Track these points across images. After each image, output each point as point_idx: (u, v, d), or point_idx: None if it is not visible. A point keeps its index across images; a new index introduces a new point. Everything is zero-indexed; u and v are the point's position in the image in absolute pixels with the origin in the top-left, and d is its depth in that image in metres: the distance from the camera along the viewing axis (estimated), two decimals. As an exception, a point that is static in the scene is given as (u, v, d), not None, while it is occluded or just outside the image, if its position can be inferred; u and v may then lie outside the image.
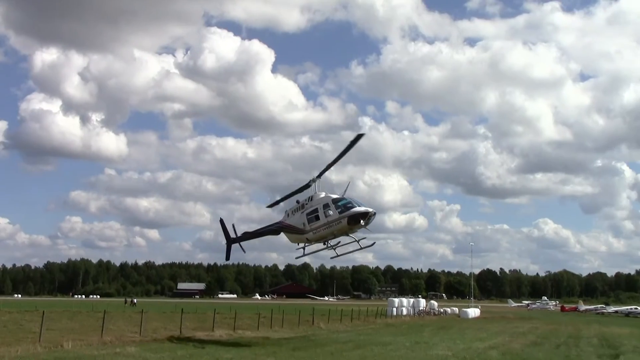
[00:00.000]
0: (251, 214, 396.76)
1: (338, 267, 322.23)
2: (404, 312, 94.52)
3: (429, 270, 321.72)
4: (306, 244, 41.36)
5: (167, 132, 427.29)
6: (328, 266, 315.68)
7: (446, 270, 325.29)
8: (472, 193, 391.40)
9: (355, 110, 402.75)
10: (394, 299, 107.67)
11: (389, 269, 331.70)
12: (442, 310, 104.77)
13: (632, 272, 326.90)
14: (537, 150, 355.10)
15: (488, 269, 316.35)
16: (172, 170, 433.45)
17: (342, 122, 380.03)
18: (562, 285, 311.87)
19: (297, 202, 41.77)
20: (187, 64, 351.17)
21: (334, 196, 39.14)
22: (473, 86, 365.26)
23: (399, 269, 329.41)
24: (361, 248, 40.47)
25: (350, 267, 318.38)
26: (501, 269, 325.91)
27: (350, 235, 39.47)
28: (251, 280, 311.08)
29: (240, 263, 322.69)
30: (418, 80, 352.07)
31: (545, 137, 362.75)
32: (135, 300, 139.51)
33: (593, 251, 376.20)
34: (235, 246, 45.47)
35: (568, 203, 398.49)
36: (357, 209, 37.45)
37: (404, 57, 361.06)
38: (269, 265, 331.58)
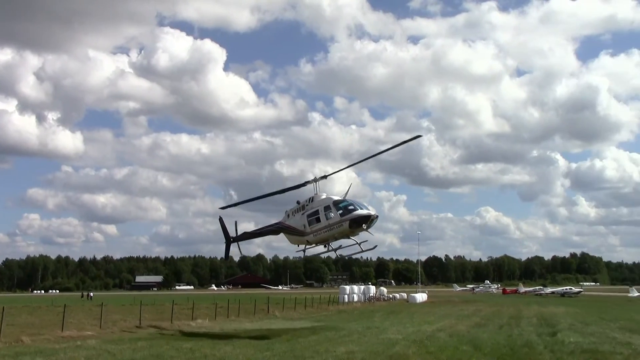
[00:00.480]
0: (206, 208, 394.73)
1: (291, 258, 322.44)
2: (355, 298, 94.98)
3: (378, 258, 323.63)
4: (307, 246, 39.49)
5: (122, 129, 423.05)
6: (281, 256, 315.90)
7: (394, 258, 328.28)
8: (418, 184, 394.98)
9: (305, 106, 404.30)
10: (345, 286, 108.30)
11: (339, 257, 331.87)
12: (391, 296, 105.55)
13: (567, 256, 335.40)
14: (478, 142, 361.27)
15: (434, 256, 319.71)
16: (128, 167, 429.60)
17: (293, 118, 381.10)
18: (504, 270, 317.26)
19: (298, 202, 39.95)
20: (141, 64, 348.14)
21: (335, 198, 37.34)
22: (417, 82, 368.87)
23: (350, 258, 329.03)
24: (362, 251, 38.60)
25: (303, 257, 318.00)
26: (446, 255, 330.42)
27: (352, 237, 37.33)
28: (207, 271, 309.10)
29: (197, 255, 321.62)
30: (364, 77, 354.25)
31: (485, 129, 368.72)
32: (91, 294, 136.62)
33: (531, 237, 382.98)
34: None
35: (507, 192, 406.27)
36: (359, 211, 35.59)
37: (351, 54, 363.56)
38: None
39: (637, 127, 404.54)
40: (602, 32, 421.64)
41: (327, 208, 36.66)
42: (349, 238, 37.27)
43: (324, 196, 38.22)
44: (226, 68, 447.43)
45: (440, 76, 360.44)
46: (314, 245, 38.85)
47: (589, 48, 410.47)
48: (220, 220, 45.68)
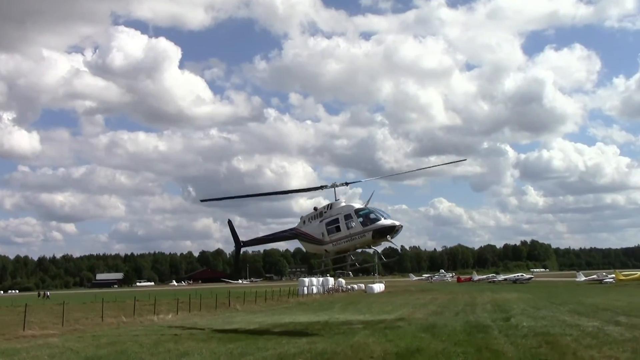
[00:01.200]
0: (165, 204, 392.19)
1: (250, 252, 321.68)
2: (314, 290, 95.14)
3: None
4: (325, 257, 36.63)
5: (79, 128, 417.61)
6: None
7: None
8: (373, 176, 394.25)
9: (260, 102, 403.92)
10: (304, 278, 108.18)
11: (298, 251, 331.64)
12: (349, 287, 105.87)
13: (518, 243, 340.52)
14: (430, 135, 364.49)
15: (390, 247, 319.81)
16: (85, 165, 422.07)
17: (249, 114, 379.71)
18: (458, 258, 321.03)
19: (315, 209, 37.32)
20: (96, 63, 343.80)
21: (357, 206, 34.54)
22: (369, 77, 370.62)
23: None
24: (383, 260, 37.38)
25: (262, 251, 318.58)
26: (402, 246, 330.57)
27: (373, 247, 35.24)
28: (167, 267, 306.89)
29: (157, 252, 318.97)
30: (318, 73, 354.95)
31: (437, 122, 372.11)
32: (48, 293, 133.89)
33: (483, 226, 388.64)
34: None
35: (460, 183, 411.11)
36: (384, 222, 32.97)
37: (304, 51, 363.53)
38: (184, 253, 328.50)
39: (581, 118, 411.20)
40: (546, 28, 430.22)
41: (348, 217, 34.05)
42: (370, 248, 35.40)
43: (343, 203, 35.62)
44: (181, 66, 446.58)
45: (392, 71, 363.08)
46: (332, 256, 36.08)
47: (534, 43, 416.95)
48: (230, 224, 43.47)
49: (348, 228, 33.79)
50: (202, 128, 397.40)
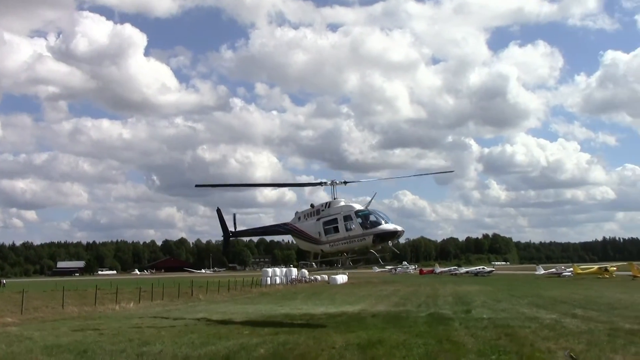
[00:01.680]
0: (128, 193, 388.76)
1: (214, 241, 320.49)
2: (278, 281, 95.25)
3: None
4: (320, 258, 35.32)
5: (42, 114, 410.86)
6: (204, 240, 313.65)
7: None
8: (338, 168, 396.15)
9: (226, 91, 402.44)
10: (267, 269, 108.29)
11: (262, 241, 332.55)
12: (312, 278, 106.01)
13: (480, 237, 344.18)
14: (395, 128, 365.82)
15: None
16: (47, 152, 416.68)
17: (214, 104, 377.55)
18: (420, 251, 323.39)
19: (312, 206, 35.51)
20: (59, 48, 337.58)
21: (357, 207, 33.02)
22: (336, 69, 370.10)
23: (272, 241, 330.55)
24: (381, 264, 35.78)
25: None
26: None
27: (372, 250, 33.26)
28: (130, 256, 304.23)
29: (119, 240, 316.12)
30: (285, 64, 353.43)
31: (403, 115, 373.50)
32: (4, 281, 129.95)
33: (446, 219, 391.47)
34: None
35: (423, 176, 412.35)
36: (385, 226, 31.58)
37: (271, 41, 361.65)
38: (147, 242, 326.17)
39: (543, 114, 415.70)
40: (510, 24, 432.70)
41: (347, 218, 32.51)
42: (367, 250, 33.42)
43: (342, 203, 34.07)
44: (147, 53, 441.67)
45: (359, 63, 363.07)
46: (328, 257, 34.87)
47: (499, 38, 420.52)
48: (219, 212, 41.21)
49: (347, 230, 32.32)
50: (167, 116, 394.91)
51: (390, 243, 32.11)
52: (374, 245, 31.95)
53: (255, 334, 26.32)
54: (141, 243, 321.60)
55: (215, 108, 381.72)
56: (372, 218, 31.99)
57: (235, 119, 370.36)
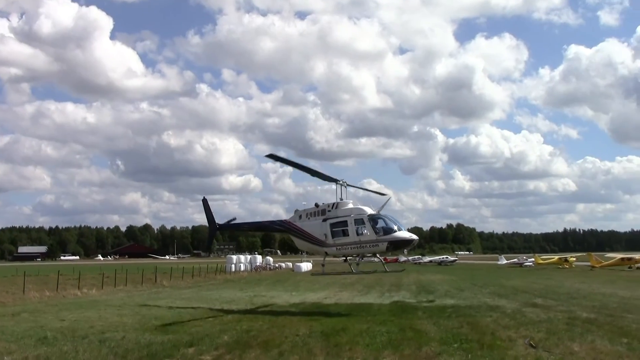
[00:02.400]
0: (92, 177, 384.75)
1: (178, 227, 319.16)
2: (242, 268, 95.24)
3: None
4: (325, 260, 33.78)
5: (3, 96, 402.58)
6: (168, 226, 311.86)
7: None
8: (304, 156, 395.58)
9: (193, 77, 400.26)
10: (232, 256, 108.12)
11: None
12: (277, 265, 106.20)
13: (444, 226, 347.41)
14: (362, 117, 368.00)
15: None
16: (9, 135, 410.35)
17: (180, 89, 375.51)
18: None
19: (316, 205, 33.48)
20: (22, 29, 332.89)
21: (370, 211, 31.31)
22: (303, 57, 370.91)
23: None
24: (386, 271, 33.98)
25: (190, 227, 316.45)
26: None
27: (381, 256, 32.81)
28: (93, 242, 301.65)
29: (82, 226, 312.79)
30: (252, 50, 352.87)
31: (369, 104, 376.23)
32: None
33: (411, 208, 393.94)
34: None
35: (389, 165, 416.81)
36: (401, 234, 30.33)
37: (239, 28, 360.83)
38: (111, 227, 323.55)
39: (508, 106, 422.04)
40: (477, 16, 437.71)
41: (359, 221, 30.87)
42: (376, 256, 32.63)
43: (350, 205, 32.33)
44: (113, 37, 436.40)
45: (326, 52, 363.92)
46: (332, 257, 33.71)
47: (466, 30, 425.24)
48: (205, 203, 38.94)
49: (358, 234, 30.68)
50: (132, 101, 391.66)
51: (405, 251, 30.66)
52: (387, 252, 31.27)
53: (218, 321, 26.27)
54: (105, 229, 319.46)
55: (181, 94, 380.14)
56: (386, 224, 30.69)
57: (201, 105, 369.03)
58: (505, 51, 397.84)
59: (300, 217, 34.03)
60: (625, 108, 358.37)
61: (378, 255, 32.31)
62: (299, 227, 33.52)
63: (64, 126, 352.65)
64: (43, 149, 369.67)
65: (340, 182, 32.75)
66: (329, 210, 32.36)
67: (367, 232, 30.37)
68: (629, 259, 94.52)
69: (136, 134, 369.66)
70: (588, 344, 18.74)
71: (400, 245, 30.75)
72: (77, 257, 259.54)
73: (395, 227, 30.47)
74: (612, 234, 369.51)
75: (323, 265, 33.09)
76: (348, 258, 33.06)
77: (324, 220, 32.09)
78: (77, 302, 37.25)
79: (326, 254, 32.32)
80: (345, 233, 31.10)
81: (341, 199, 32.60)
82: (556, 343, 19.08)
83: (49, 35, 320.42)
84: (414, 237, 30.76)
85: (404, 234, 30.43)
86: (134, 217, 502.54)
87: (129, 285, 53.23)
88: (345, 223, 31.20)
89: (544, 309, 30.43)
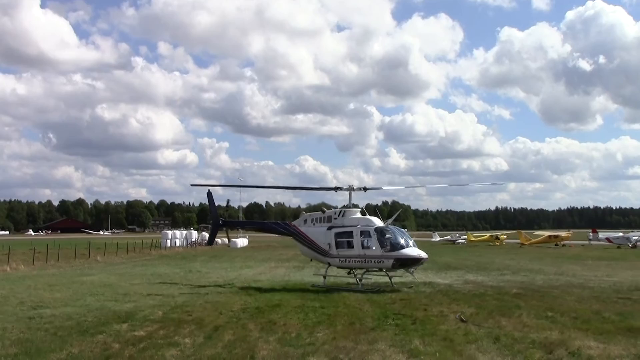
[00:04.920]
0: (22, 150, 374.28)
1: (113, 202, 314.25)
2: (177, 243, 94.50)
3: (201, 204, 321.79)
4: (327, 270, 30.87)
5: None
6: (103, 201, 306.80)
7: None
8: (240, 132, 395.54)
9: (128, 50, 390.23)
10: (167, 231, 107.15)
11: (162, 203, 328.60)
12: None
13: (380, 204, 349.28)
14: (299, 93, 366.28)
15: (255, 202, 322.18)
16: None
17: (115, 62, 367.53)
18: (320, 209, 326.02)
19: (323, 211, 32.27)
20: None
21: (377, 223, 29.47)
22: (240, 32, 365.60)
23: (172, 203, 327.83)
24: (392, 286, 29.64)
25: (125, 202, 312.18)
26: (267, 202, 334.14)
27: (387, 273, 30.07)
28: (24, 216, 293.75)
29: (12, 200, 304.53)
30: (188, 24, 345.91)
31: (306, 81, 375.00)
32: None
33: (347, 185, 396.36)
34: None
35: (326, 142, 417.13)
36: (409, 251, 28.28)
37: (175, 0, 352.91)
38: (43, 201, 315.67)
39: (443, 86, 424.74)
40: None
41: (365, 234, 28.96)
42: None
43: (358, 214, 30.82)
44: (44, 5, 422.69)
45: (264, 27, 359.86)
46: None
47: (403, 9, 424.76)
48: (209, 196, 36.84)
49: (364, 247, 28.82)
50: (65, 73, 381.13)
51: (411, 270, 29.64)
52: (392, 270, 29.07)
53: (152, 297, 26.04)
54: (36, 203, 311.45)
55: (116, 66, 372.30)
56: (394, 239, 28.69)
57: (136, 79, 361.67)
58: (441, 31, 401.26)
59: (305, 221, 32.59)
60: (554, 91, 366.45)
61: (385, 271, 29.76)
62: (303, 232, 31.87)
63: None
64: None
65: (346, 187, 32.08)
66: (335, 218, 30.78)
67: (372, 245, 28.50)
68: (556, 236, 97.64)
69: (69, 106, 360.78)
70: (516, 318, 19.28)
71: (407, 263, 28.41)
72: (7, 232, 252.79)
73: (404, 243, 28.57)
74: (541, 212, 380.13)
75: (324, 277, 30.38)
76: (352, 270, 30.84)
77: (329, 228, 30.47)
78: (6, 278, 36.33)
79: (329, 264, 30.48)
80: (350, 245, 29.29)
81: (348, 205, 31.40)
82: (485, 317, 19.57)
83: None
84: (423, 255, 28.52)
85: (412, 252, 28.36)
86: (66, 192, 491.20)
87: (62, 260, 52.14)
88: (350, 234, 29.37)
89: (475, 285, 31.21)
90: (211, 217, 37.06)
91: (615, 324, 18.19)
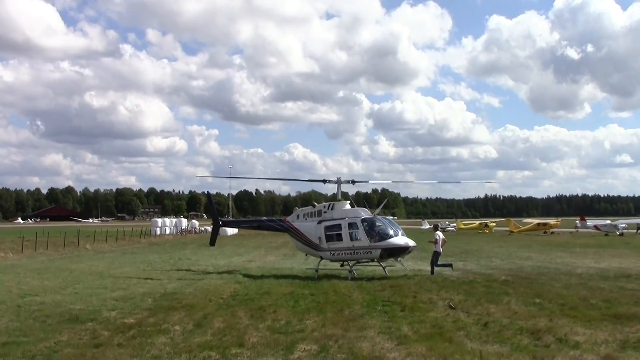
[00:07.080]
0: (10, 138, 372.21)
1: (102, 190, 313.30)
2: (167, 231, 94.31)
3: (190, 191, 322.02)
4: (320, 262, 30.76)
5: None
6: (92, 189, 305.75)
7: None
8: (229, 119, 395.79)
9: (116, 37, 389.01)
10: (157, 219, 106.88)
11: (151, 191, 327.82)
12: (203, 228, 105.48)
13: (369, 191, 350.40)
14: (288, 81, 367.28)
15: (245, 190, 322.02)
16: None
17: (103, 49, 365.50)
18: (311, 204, 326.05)
19: (313, 205, 32.20)
20: None
21: (364, 214, 29.73)
22: (229, 19, 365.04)
23: (162, 191, 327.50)
24: (386, 276, 29.36)
25: (114, 190, 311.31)
26: (257, 189, 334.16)
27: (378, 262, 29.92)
28: (12, 204, 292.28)
29: (0, 188, 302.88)
30: (177, 11, 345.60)
31: (295, 69, 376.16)
32: None
33: (337, 173, 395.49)
34: None
35: (315, 129, 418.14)
36: (395, 240, 28.43)
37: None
38: (32, 189, 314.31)
39: (432, 73, 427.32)
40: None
41: (353, 225, 29.11)
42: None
43: (346, 206, 30.91)
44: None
45: (253, 14, 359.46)
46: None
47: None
48: (209, 197, 36.07)
49: (352, 239, 28.94)
50: (52, 60, 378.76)
51: (400, 259, 29.97)
52: (382, 260, 29.03)
53: (142, 284, 26.04)
54: (25, 191, 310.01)
55: (105, 54, 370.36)
56: (381, 229, 28.94)
57: (125, 66, 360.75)
58: (430, 19, 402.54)
59: (298, 217, 32.44)
60: (542, 79, 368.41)
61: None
62: (296, 227, 31.74)
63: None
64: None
65: (335, 180, 32.07)
66: (325, 212, 30.88)
67: (360, 236, 28.70)
68: (544, 224, 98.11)
69: (57, 94, 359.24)
70: (504, 305, 19.38)
71: (395, 252, 28.64)
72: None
73: (391, 232, 28.76)
74: (530, 200, 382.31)
75: (317, 270, 29.78)
76: (344, 263, 30.54)
77: (319, 222, 30.49)
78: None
79: (321, 258, 30.42)
80: (339, 237, 29.31)
81: (339, 199, 31.56)
82: (474, 304, 19.66)
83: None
84: (410, 243, 28.66)
85: (399, 240, 28.50)
86: (55, 179, 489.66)
87: (51, 249, 52.04)
88: (339, 227, 29.49)
89: (464, 272, 31.28)
90: (212, 219, 37.62)
91: (601, 311, 18.31)
